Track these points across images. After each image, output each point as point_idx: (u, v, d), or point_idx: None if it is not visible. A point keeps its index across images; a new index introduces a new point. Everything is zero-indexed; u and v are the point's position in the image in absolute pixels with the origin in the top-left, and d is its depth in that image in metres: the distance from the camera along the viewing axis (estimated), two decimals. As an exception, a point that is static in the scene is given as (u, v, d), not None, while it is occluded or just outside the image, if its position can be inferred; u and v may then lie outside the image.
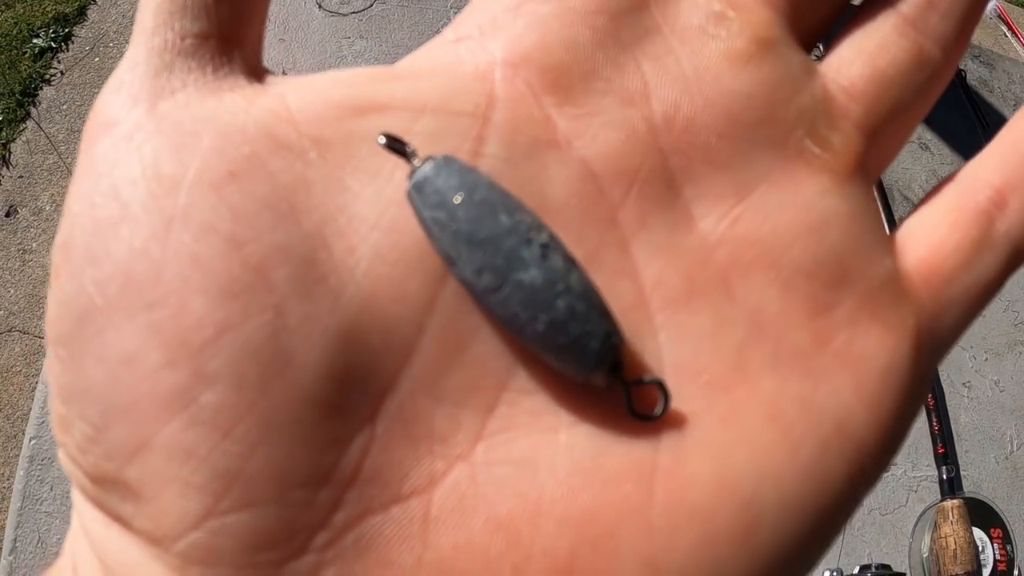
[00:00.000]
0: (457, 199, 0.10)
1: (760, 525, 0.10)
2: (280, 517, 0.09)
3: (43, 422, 0.50)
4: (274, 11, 0.70)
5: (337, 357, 0.10)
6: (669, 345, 0.11)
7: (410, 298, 0.10)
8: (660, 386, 0.10)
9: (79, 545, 0.11)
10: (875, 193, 0.13)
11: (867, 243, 0.12)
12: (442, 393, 0.10)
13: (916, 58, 0.12)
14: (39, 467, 0.49)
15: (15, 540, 0.47)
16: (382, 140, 0.10)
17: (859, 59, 0.12)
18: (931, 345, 0.12)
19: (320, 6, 0.70)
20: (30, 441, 0.50)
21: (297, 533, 0.09)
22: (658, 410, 0.10)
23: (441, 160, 0.10)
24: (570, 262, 0.10)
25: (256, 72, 0.11)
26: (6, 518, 1.34)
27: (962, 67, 0.82)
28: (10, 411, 1.35)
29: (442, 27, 0.74)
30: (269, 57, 0.69)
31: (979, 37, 1.16)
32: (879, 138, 0.12)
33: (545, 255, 0.10)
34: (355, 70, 0.11)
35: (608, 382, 0.10)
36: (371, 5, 0.71)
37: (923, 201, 0.13)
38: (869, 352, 0.11)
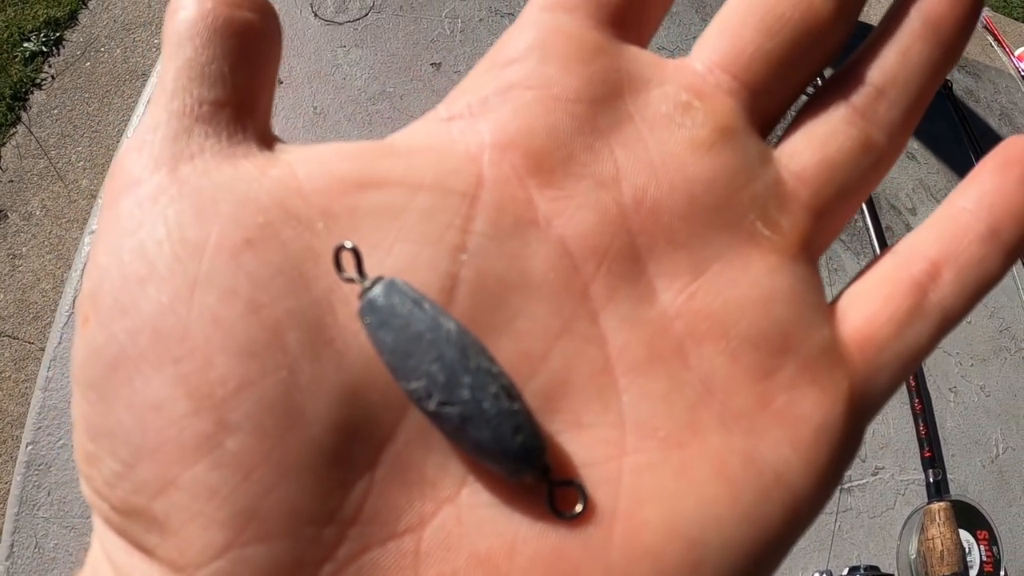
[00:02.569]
0: (396, 320, 0.11)
1: (704, 563, 0.11)
2: (292, 550, 0.10)
3: (40, 427, 0.50)
4: (270, 19, 0.70)
5: (342, 412, 0.11)
6: (631, 405, 0.12)
7: None
8: (579, 488, 0.11)
9: (102, 570, 0.11)
10: (817, 268, 0.14)
11: (808, 316, 0.13)
12: (432, 444, 0.11)
13: (863, 145, 0.14)
14: (36, 472, 0.49)
15: (12, 546, 0.47)
16: (349, 244, 0.11)
17: (810, 146, 0.14)
18: (863, 405, 0.13)
19: (316, 15, 0.70)
20: (27, 447, 0.50)
21: (306, 565, 0.10)
22: (578, 509, 0.11)
23: (388, 283, 0.11)
24: (494, 377, 0.11)
25: (266, 139, 0.13)
26: (2, 523, 1.33)
27: (949, 77, 0.84)
28: (-1, 416, 1.34)
29: (437, 36, 0.75)
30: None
31: (967, 48, 1.18)
32: (825, 217, 0.14)
33: (475, 378, 0.11)
34: (357, 144, 0.12)
35: (536, 481, 0.11)
36: (366, 14, 0.71)
37: (863, 272, 0.14)
38: (806, 412, 0.12)
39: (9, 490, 1.33)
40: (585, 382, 0.12)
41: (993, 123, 0.86)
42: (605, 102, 0.13)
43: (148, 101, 0.64)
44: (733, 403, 0.12)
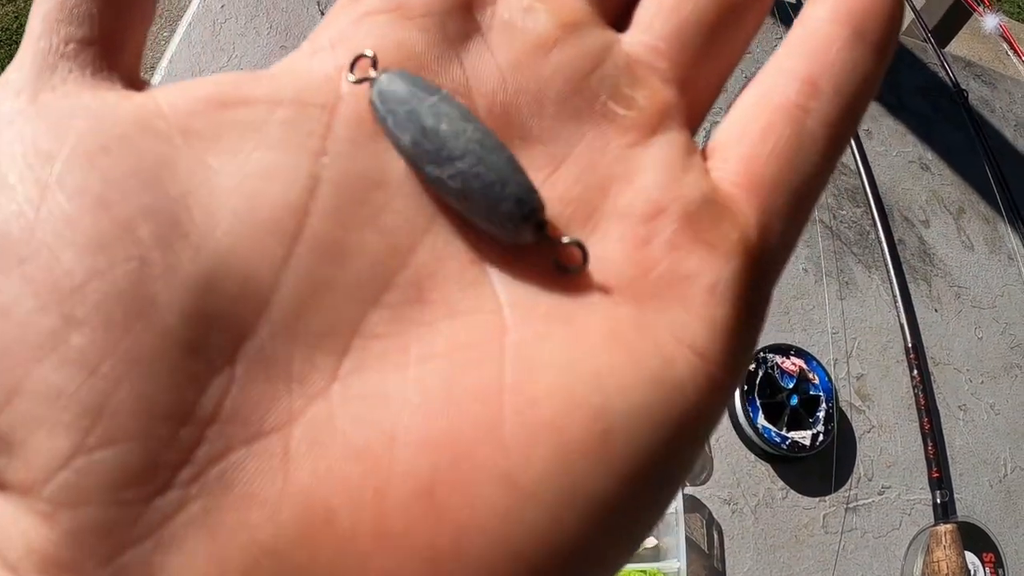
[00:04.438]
0: (408, 101, 0.12)
1: (612, 435, 0.10)
2: (144, 453, 0.10)
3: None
4: (276, 18, 0.69)
5: (197, 302, 0.10)
6: (506, 290, 0.12)
7: (266, 254, 0.11)
8: (579, 245, 0.12)
9: None
10: (690, 134, 0.13)
11: (680, 175, 0.13)
12: (298, 338, 0.11)
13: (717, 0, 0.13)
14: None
15: None
16: (351, 78, 0.12)
17: (660, 16, 0.14)
18: (762, 252, 0.12)
19: (323, 13, 0.70)
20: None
21: (161, 469, 0.10)
22: (577, 265, 0.12)
23: (395, 72, 0.12)
24: (499, 146, 0.12)
25: (134, 83, 0.13)
26: None
27: (964, 87, 0.82)
28: None
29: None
30: (271, 65, 0.69)
31: (981, 56, 1.16)
32: (693, 82, 0.13)
33: (474, 139, 0.12)
34: (222, 74, 0.13)
35: (535, 239, 0.12)
36: (373, 14, 0.71)
37: (728, 111, 0.13)
38: (693, 271, 0.12)
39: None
40: (456, 273, 0.12)
41: (1008, 134, 0.85)
42: (453, 15, 0.13)
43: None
44: (615, 276, 0.12)
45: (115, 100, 0.12)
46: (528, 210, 0.12)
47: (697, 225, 0.12)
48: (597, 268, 0.12)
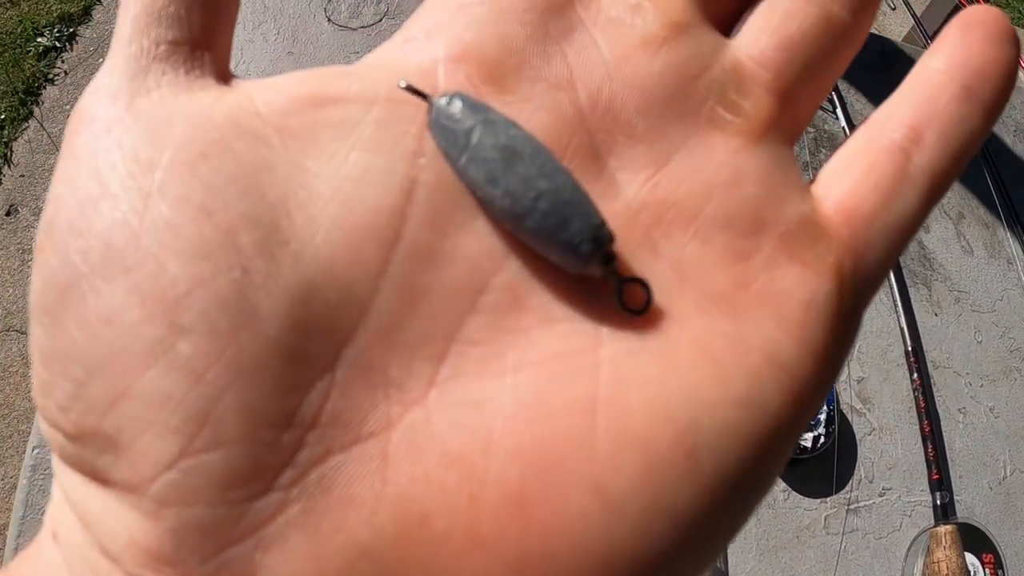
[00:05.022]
0: (467, 124, 0.11)
1: (699, 451, 0.11)
2: (248, 456, 0.10)
3: (46, 432, 0.50)
4: (283, 24, 0.70)
5: (298, 310, 0.10)
6: (599, 298, 0.12)
7: (365, 261, 0.11)
8: (644, 285, 0.12)
9: (60, 512, 0.11)
10: (791, 150, 0.14)
11: (781, 192, 0.13)
12: (397, 345, 0.11)
13: (824, 22, 0.13)
14: (42, 476, 0.49)
15: (16, 549, 0.47)
16: (403, 83, 0.12)
17: (768, 28, 0.13)
18: (856, 280, 0.13)
19: (329, 20, 0.70)
20: (33, 450, 0.50)
21: (264, 471, 0.10)
22: (640, 306, 0.11)
23: (457, 93, 0.12)
24: (567, 170, 0.12)
25: (224, 77, 0.13)
26: (1, 519, 1.33)
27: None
28: (7, 411, 1.34)
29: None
30: (278, 71, 0.69)
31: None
32: (793, 99, 0.13)
33: (546, 162, 0.11)
34: (315, 69, 0.12)
35: (602, 274, 0.11)
36: (380, 20, 0.71)
37: (839, 148, 0.14)
38: (788, 289, 0.12)
39: (14, 484, 1.33)
40: (552, 279, 0.12)
41: (1008, 140, 0.86)
42: (555, 10, 0.13)
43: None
44: (710, 287, 0.12)
45: (210, 101, 0.12)
46: (595, 244, 0.11)
47: (795, 243, 0.12)
48: (695, 277, 0.12)
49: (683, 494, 0.10)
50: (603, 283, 0.12)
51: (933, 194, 0.13)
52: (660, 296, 0.12)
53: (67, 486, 0.11)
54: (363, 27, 0.70)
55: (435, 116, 0.12)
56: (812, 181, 0.13)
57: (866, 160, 0.13)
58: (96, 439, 0.10)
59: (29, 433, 1.28)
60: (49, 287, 0.11)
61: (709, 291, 0.12)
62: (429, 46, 0.12)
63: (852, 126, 0.76)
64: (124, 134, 0.11)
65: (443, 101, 0.12)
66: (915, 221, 0.13)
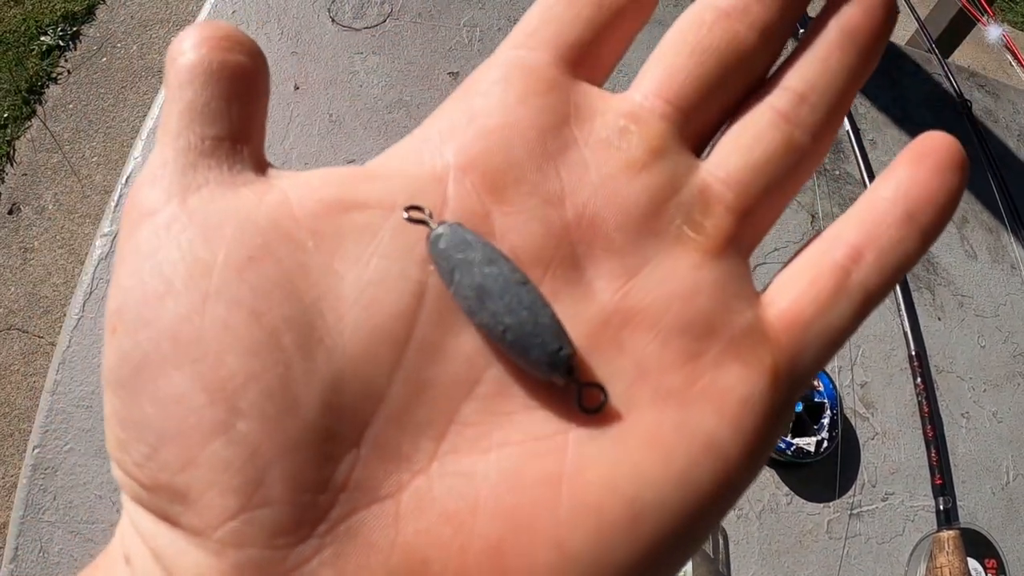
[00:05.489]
0: (459, 253, 0.13)
1: (641, 519, 0.13)
2: (292, 513, 0.12)
3: (47, 431, 0.50)
4: (287, 24, 0.70)
5: (330, 398, 0.13)
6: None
7: (382, 358, 0.13)
8: (601, 388, 0.14)
9: (131, 541, 0.13)
10: (746, 261, 0.16)
11: (731, 303, 0.15)
12: (407, 426, 0.13)
13: (786, 146, 0.15)
14: (42, 476, 0.49)
15: (16, 549, 0.47)
16: (404, 215, 0.14)
17: (736, 152, 0.15)
18: (789, 378, 0.15)
19: (333, 20, 0.70)
20: (34, 450, 0.50)
21: (304, 524, 0.12)
22: (597, 406, 0.14)
23: (448, 225, 0.14)
24: (539, 298, 0.14)
25: (261, 165, 0.15)
26: (1, 517, 1.32)
27: (968, 97, 0.83)
28: (7, 409, 1.34)
29: (454, 45, 0.75)
30: (282, 70, 0.69)
31: (985, 66, 1.16)
32: (753, 214, 0.15)
33: (519, 292, 0.14)
34: (339, 169, 0.15)
35: (565, 382, 0.14)
36: (384, 21, 0.71)
37: (791, 259, 0.16)
38: (730, 386, 0.14)
39: (14, 483, 1.33)
40: (531, 376, 0.14)
41: (1012, 144, 0.86)
42: (554, 130, 0.15)
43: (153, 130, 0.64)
44: (664, 383, 0.14)
45: (253, 201, 0.14)
46: (552, 366, 0.13)
47: (740, 347, 0.14)
48: (653, 373, 0.14)
49: (626, 550, 0.13)
50: (567, 386, 0.14)
51: (866, 307, 0.15)
52: (621, 388, 0.14)
53: (138, 522, 0.13)
54: (367, 27, 0.70)
55: (430, 247, 0.14)
56: (765, 289, 0.15)
57: (810, 275, 0.15)
58: (168, 492, 0.12)
59: (30, 432, 1.27)
60: (123, 364, 0.13)
61: (663, 386, 0.14)
62: (442, 151, 0.15)
63: (856, 130, 0.76)
64: (181, 233, 0.13)
65: (435, 234, 0.14)
66: (847, 330, 0.15)
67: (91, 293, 0.54)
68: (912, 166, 0.15)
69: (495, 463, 0.13)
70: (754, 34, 0.16)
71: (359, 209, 0.14)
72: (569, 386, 0.14)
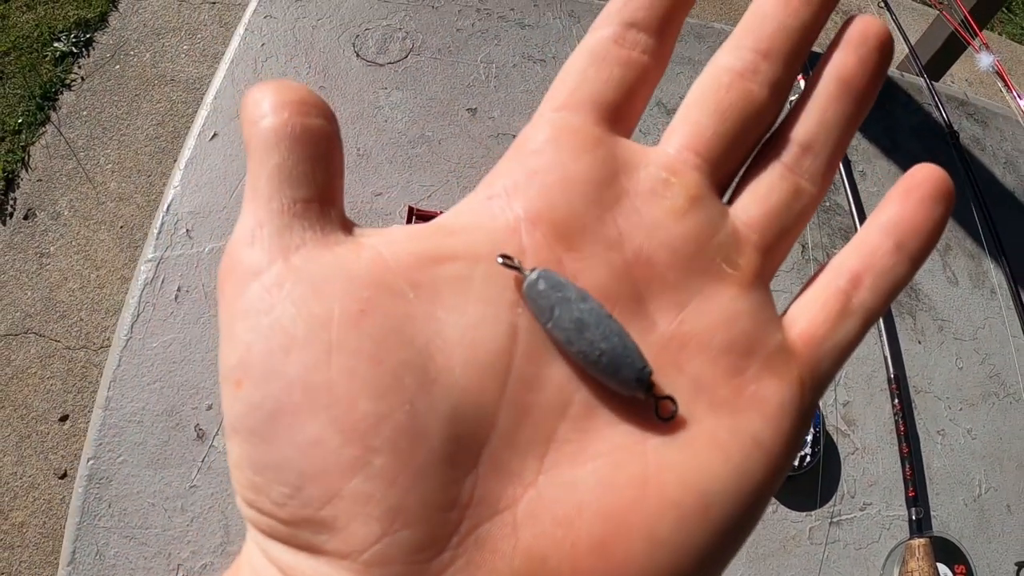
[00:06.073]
0: (557, 292, 0.15)
1: (711, 508, 0.15)
2: (428, 532, 0.14)
3: (100, 443, 0.54)
4: (314, 59, 0.73)
5: (450, 429, 0.14)
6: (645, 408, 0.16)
7: (488, 390, 0.15)
8: (672, 400, 0.16)
9: (266, 571, 0.15)
10: (769, 291, 0.18)
11: (764, 326, 0.17)
12: (516, 447, 0.15)
13: (794, 194, 0.18)
14: (97, 486, 0.53)
15: (74, 552, 0.51)
16: (500, 261, 0.16)
17: (755, 201, 0.18)
18: (811, 385, 0.17)
19: (358, 55, 0.74)
20: (88, 461, 0.54)
21: (439, 540, 0.14)
22: (670, 415, 0.16)
23: (541, 271, 0.16)
24: (620, 329, 0.16)
25: (346, 224, 0.16)
26: (19, 516, 1.35)
27: (956, 126, 0.85)
28: (24, 411, 1.37)
29: (472, 81, 0.79)
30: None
31: (976, 93, 1.19)
32: (771, 252, 0.18)
33: (605, 327, 0.16)
34: (420, 227, 0.16)
35: (645, 396, 0.16)
36: (406, 56, 0.74)
37: (805, 286, 0.18)
38: (769, 395, 0.17)
39: (32, 483, 1.35)
40: (613, 395, 0.16)
41: (997, 171, 0.87)
42: (606, 182, 0.17)
43: (191, 160, 0.68)
44: (717, 395, 0.16)
45: (351, 257, 0.15)
46: (638, 382, 0.16)
47: (773, 362, 0.17)
48: (708, 388, 0.16)
49: (701, 535, 0.15)
50: (646, 400, 0.16)
51: (867, 324, 0.18)
52: (683, 402, 0.16)
53: (274, 555, 0.15)
54: (390, 63, 0.73)
55: (526, 289, 0.16)
56: (784, 313, 0.18)
57: (820, 300, 0.18)
58: (312, 525, 0.14)
59: (48, 434, 1.30)
60: (254, 414, 0.14)
61: (716, 397, 0.16)
62: (511, 205, 0.16)
63: (848, 162, 0.79)
64: (293, 290, 0.15)
65: (532, 277, 0.16)
66: (853, 343, 0.18)
67: (138, 316, 0.58)
68: (901, 200, 0.17)
69: (591, 472, 0.15)
70: (765, 91, 0.18)
71: (450, 261, 0.15)
72: (647, 400, 0.16)
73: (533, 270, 0.16)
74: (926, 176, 0.18)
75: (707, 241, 0.17)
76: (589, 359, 0.16)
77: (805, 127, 0.18)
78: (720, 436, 0.16)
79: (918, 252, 0.18)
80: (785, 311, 0.18)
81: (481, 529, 0.14)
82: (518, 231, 0.16)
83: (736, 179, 0.19)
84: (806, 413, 0.17)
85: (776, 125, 0.19)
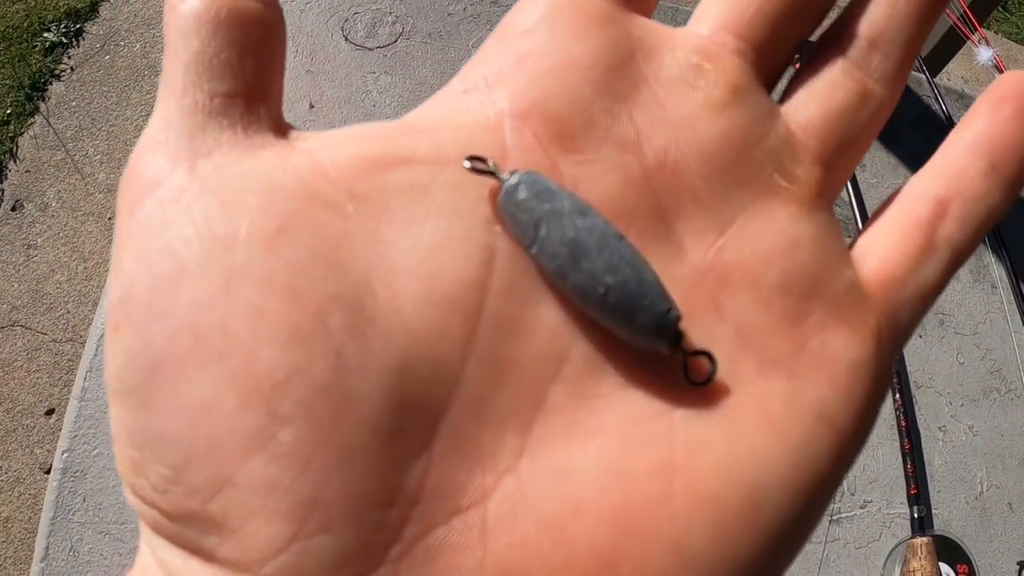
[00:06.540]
0: (544, 203, 0.11)
1: (762, 507, 0.11)
2: (357, 536, 0.10)
3: (76, 436, 0.53)
4: (301, 43, 0.72)
5: (393, 390, 0.11)
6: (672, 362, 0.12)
7: (451, 335, 0.11)
8: (709, 356, 0.12)
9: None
10: (834, 213, 0.14)
11: (831, 259, 0.13)
12: (487, 416, 0.11)
13: (861, 96, 0.14)
14: (71, 479, 0.51)
15: (47, 548, 0.50)
16: (467, 164, 0.12)
17: (813, 100, 0.14)
18: (890, 339, 0.13)
19: (347, 39, 0.72)
20: (63, 454, 0.52)
21: (373, 549, 0.10)
22: (705, 378, 0.12)
23: (523, 174, 0.12)
24: (639, 255, 0.12)
25: (280, 127, 0.12)
26: (5, 511, 1.34)
27: (955, 119, 0.86)
28: (10, 405, 1.36)
29: (463, 65, 0.77)
30: (297, 88, 0.72)
31: (973, 89, 1.20)
32: (833, 167, 0.14)
33: (613, 253, 0.11)
34: (372, 125, 0.12)
35: (670, 351, 0.12)
36: (395, 41, 0.73)
37: (874, 216, 0.14)
38: (839, 351, 0.13)
39: (17, 477, 1.35)
40: (625, 349, 0.12)
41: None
42: (620, 68, 0.13)
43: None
44: (770, 349, 0.12)
45: (276, 163, 0.12)
46: (660, 331, 0.11)
47: (843, 308, 0.13)
48: (757, 340, 0.12)
49: (748, 545, 0.11)
50: (671, 356, 0.12)
51: (954, 263, 0.14)
52: (724, 358, 0.12)
53: (163, 556, 0.11)
54: (379, 47, 0.72)
55: (502, 200, 0.11)
56: (850, 247, 0.14)
57: (897, 231, 0.14)
58: (199, 521, 0.10)
59: (33, 428, 1.30)
60: (132, 368, 0.11)
61: (768, 353, 0.12)
62: (492, 98, 0.12)
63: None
64: (194, 204, 0.11)
65: (510, 184, 0.11)
66: (938, 287, 0.14)
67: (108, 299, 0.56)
68: (992, 113, 0.14)
69: (594, 455, 0.11)
70: None
71: (403, 165, 0.12)
72: (673, 356, 0.12)
73: (513, 173, 0.12)
74: (1016, 89, 0.14)
75: (754, 144, 0.13)
76: (591, 298, 0.11)
77: (872, 19, 0.14)
78: (773, 408, 0.12)
79: (1014, 176, 0.14)
80: (851, 245, 0.14)
81: (434, 535, 0.11)
82: (500, 128, 0.12)
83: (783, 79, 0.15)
84: (883, 378, 0.13)
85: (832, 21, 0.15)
